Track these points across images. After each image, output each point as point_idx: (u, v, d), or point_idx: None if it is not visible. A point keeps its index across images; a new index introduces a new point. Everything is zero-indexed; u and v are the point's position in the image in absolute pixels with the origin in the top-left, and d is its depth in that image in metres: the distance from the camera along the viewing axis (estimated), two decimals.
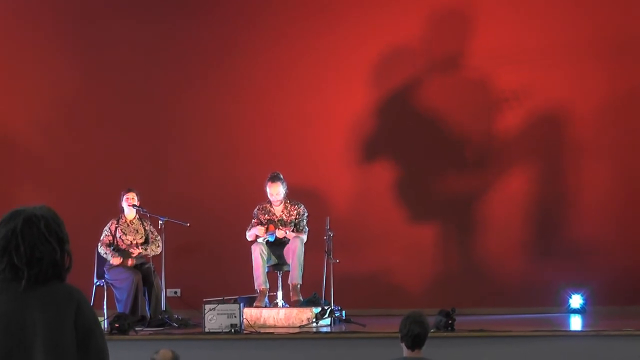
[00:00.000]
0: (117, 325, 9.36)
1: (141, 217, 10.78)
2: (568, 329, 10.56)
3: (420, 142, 12.37)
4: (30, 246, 3.48)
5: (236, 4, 12.39)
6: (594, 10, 12.29)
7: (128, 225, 10.68)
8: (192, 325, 10.24)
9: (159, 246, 10.66)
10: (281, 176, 10.49)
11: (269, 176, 10.50)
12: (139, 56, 12.31)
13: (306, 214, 10.53)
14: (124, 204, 10.68)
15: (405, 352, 6.36)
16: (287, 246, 10.39)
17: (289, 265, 10.41)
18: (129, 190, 10.70)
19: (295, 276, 10.33)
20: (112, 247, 10.54)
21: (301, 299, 10.33)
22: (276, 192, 10.42)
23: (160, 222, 10.63)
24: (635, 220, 12.19)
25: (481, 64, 12.32)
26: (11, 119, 12.31)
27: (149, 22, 12.33)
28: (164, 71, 12.32)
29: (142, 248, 10.61)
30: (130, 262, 10.50)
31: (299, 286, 10.36)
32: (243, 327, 9.56)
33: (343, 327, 10.10)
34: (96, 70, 12.35)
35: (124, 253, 10.55)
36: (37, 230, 3.50)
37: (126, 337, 9.31)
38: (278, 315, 10.14)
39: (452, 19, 12.39)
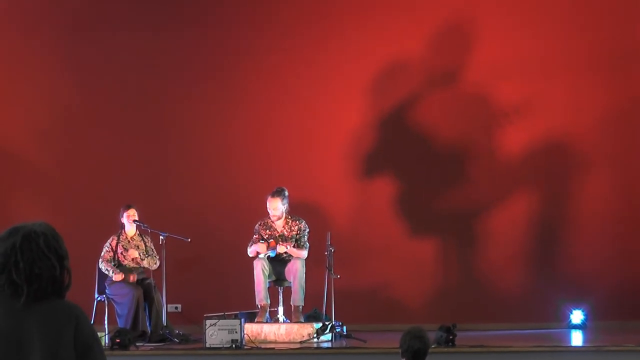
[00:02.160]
0: (118, 340, 9.36)
1: (142, 233, 10.79)
2: (569, 345, 10.62)
3: (421, 157, 12.39)
4: (29, 262, 3.46)
5: (235, 16, 12.43)
6: (592, 25, 12.32)
7: (129, 241, 10.68)
8: (192, 341, 10.24)
9: (156, 262, 10.68)
10: (284, 193, 10.48)
11: (272, 191, 10.50)
12: (139, 68, 12.36)
13: (307, 230, 10.53)
14: (125, 220, 10.69)
15: None
16: (289, 266, 10.38)
17: (289, 281, 10.41)
18: (128, 207, 10.72)
19: (297, 299, 10.34)
20: (113, 263, 10.54)
21: (302, 320, 10.34)
22: (274, 207, 10.42)
23: (161, 237, 10.65)
24: (635, 235, 12.21)
25: (481, 79, 12.36)
26: (10, 129, 12.33)
27: (147, 33, 12.37)
28: (163, 85, 12.36)
29: (139, 256, 10.61)
30: (132, 277, 10.49)
31: (300, 308, 10.37)
32: (244, 343, 9.56)
33: (344, 343, 10.10)
34: (95, 81, 12.38)
35: (125, 269, 10.56)
36: (37, 247, 3.47)
37: (127, 352, 9.31)
38: (279, 331, 10.13)
39: (452, 34, 12.43)
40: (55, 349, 3.44)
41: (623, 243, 12.20)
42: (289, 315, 10.39)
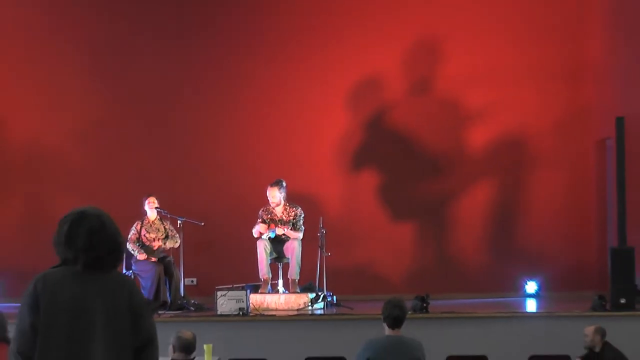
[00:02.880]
0: None
1: (162, 218, 10.86)
2: (525, 311, 10.63)
3: (399, 154, 12.36)
4: (107, 240, 3.57)
5: (241, 44, 12.32)
6: (547, 42, 12.29)
7: (151, 225, 10.76)
8: (206, 309, 10.27)
9: (177, 241, 10.75)
10: (282, 183, 10.53)
11: (272, 182, 10.59)
12: (161, 82, 12.27)
13: (302, 215, 10.57)
14: (147, 207, 10.75)
15: (387, 331, 6.46)
16: (287, 245, 10.43)
17: (287, 258, 10.46)
18: (149, 195, 10.80)
19: (294, 273, 10.38)
20: (137, 244, 10.63)
21: (298, 291, 10.38)
22: (272, 195, 10.47)
23: (179, 222, 10.73)
24: (580, 220, 12.24)
25: (451, 87, 12.31)
26: (52, 132, 12.26)
27: (168, 53, 12.31)
28: (180, 98, 12.30)
29: (162, 242, 10.69)
30: (153, 259, 10.57)
31: (297, 280, 10.42)
32: (249, 310, 9.64)
33: (334, 310, 10.16)
34: (123, 93, 12.31)
35: (147, 249, 10.65)
36: (108, 227, 3.60)
37: None
38: (279, 300, 10.17)
39: (426, 49, 12.38)
40: (113, 314, 3.51)
41: (569, 227, 12.22)
42: (288, 287, 10.43)
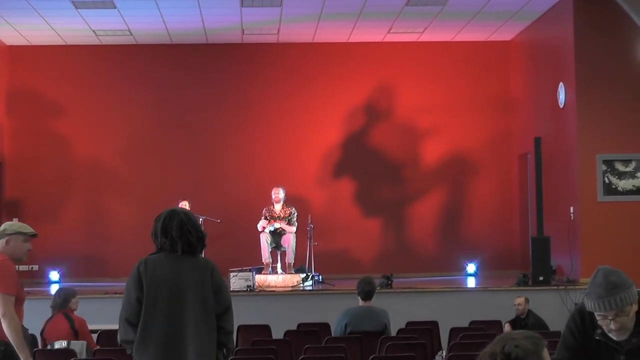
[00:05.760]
0: None
1: None
2: (466, 286, 10.63)
3: (369, 166, 12.38)
4: (195, 229, 3.63)
5: (254, 90, 12.34)
6: (480, 79, 12.40)
7: None
8: None
9: None
10: (283, 187, 10.56)
11: (276, 185, 10.57)
12: (192, 116, 12.30)
13: (296, 213, 10.53)
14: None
15: (361, 302, 6.43)
16: (284, 237, 10.38)
17: (284, 247, 10.42)
18: (183, 199, 10.71)
19: (290, 258, 10.34)
20: None
21: (293, 272, 10.33)
22: (277, 192, 10.46)
23: (200, 219, 10.62)
24: (507, 216, 12.27)
25: (408, 115, 12.38)
26: (102, 151, 12.22)
27: (201, 98, 12.32)
28: (206, 127, 12.30)
29: None
30: None
31: (292, 264, 10.38)
32: (255, 287, 9.58)
33: (320, 287, 10.13)
34: (159, 121, 12.29)
35: None
36: (193, 221, 3.65)
37: None
38: (278, 279, 10.13)
39: (389, 86, 12.44)
40: (200, 287, 3.57)
41: (499, 221, 12.27)
42: (284, 269, 10.38)
